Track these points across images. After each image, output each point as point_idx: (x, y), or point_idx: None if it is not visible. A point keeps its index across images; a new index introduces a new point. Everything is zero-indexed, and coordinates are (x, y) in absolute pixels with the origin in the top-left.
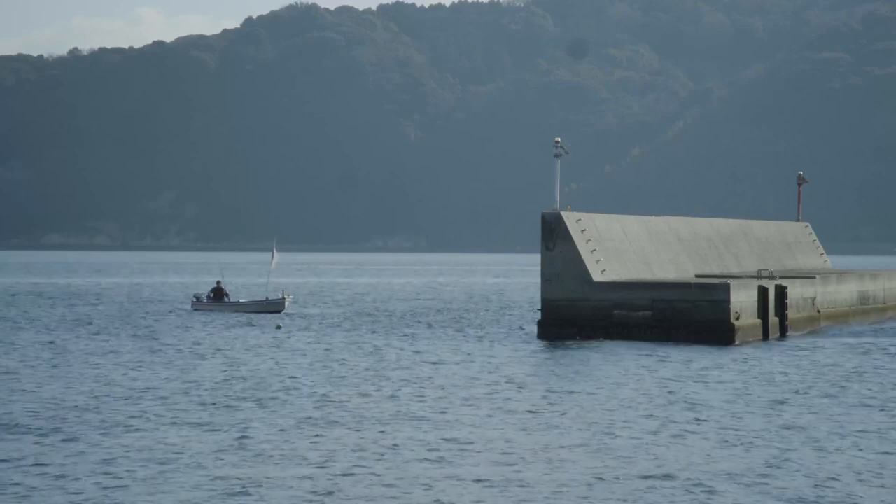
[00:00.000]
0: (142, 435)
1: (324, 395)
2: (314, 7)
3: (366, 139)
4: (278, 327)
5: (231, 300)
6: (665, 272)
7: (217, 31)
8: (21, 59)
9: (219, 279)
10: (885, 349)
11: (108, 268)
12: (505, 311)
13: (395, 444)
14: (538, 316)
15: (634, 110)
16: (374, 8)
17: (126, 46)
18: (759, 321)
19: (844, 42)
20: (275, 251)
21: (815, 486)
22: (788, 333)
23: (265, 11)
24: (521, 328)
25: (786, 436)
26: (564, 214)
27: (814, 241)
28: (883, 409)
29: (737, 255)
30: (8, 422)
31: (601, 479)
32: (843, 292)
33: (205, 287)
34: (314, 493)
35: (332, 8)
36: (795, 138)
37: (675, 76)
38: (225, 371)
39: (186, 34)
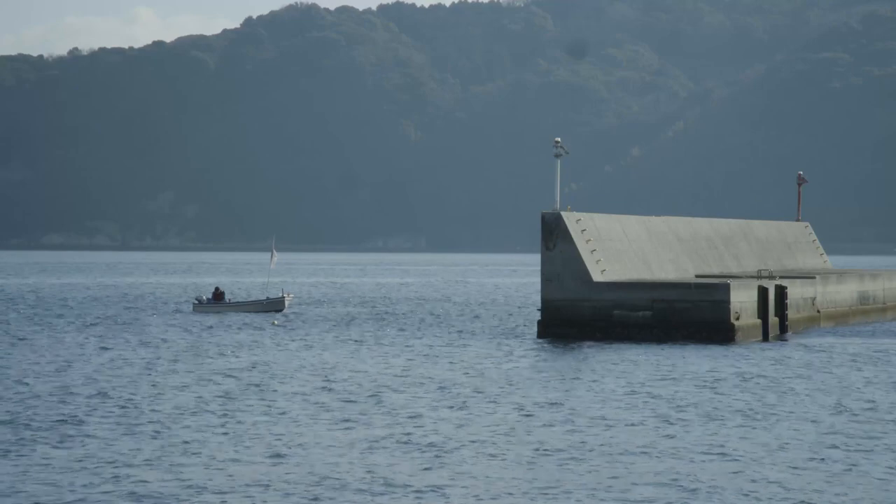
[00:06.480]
0: (142, 432)
1: (321, 393)
2: (314, 7)
3: (366, 139)
4: (274, 323)
5: (231, 301)
6: (665, 272)
7: (217, 31)
8: (21, 59)
9: (217, 284)
10: (885, 350)
11: (112, 268)
12: (505, 311)
13: (392, 443)
14: (538, 316)
15: (634, 110)
16: (374, 8)
17: (122, 46)
18: (759, 321)
19: (844, 42)
20: (274, 250)
21: (812, 488)
22: (788, 333)
23: (265, 11)
24: (522, 328)
25: (784, 437)
26: (564, 214)
27: (814, 241)
28: (873, 412)
29: (737, 255)
30: (22, 419)
31: (599, 478)
32: (843, 292)
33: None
34: (309, 491)
35: (332, 8)
36: (795, 138)
37: (675, 76)
38: (223, 370)
39: (185, 34)
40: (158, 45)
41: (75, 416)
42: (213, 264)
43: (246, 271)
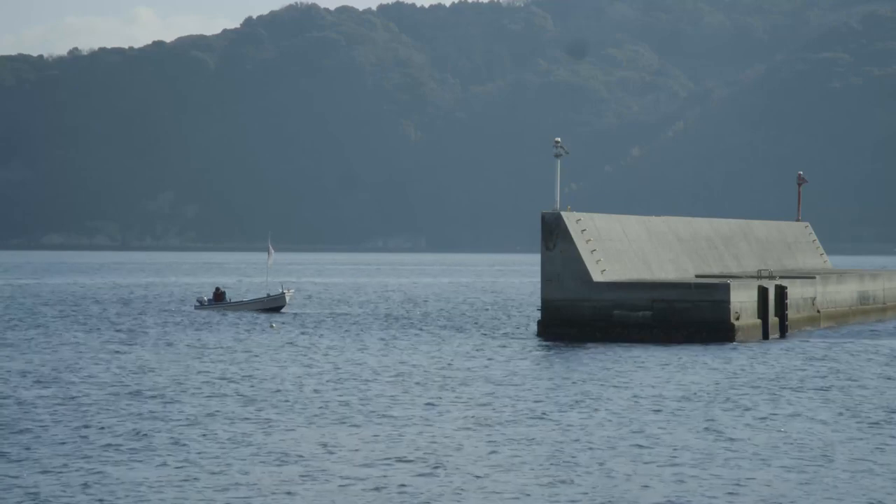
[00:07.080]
0: (145, 432)
1: (319, 393)
2: (314, 7)
3: (366, 139)
4: (272, 326)
5: (231, 301)
6: (665, 272)
7: (217, 31)
8: (21, 59)
9: (217, 285)
10: (886, 349)
11: (114, 269)
12: (505, 311)
13: (391, 442)
14: (538, 316)
15: (634, 110)
16: (374, 8)
17: (122, 46)
18: (759, 321)
19: (844, 42)
20: (271, 248)
21: (820, 487)
22: (788, 333)
23: (265, 11)
24: (522, 328)
25: (785, 437)
26: (564, 214)
27: (814, 241)
28: (870, 412)
29: (737, 255)
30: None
31: (600, 477)
32: (843, 292)
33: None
34: (309, 490)
35: (332, 8)
36: (795, 138)
37: (675, 76)
38: (224, 371)
39: (185, 34)
40: (158, 45)
41: (77, 418)
42: (216, 264)
43: (244, 271)
